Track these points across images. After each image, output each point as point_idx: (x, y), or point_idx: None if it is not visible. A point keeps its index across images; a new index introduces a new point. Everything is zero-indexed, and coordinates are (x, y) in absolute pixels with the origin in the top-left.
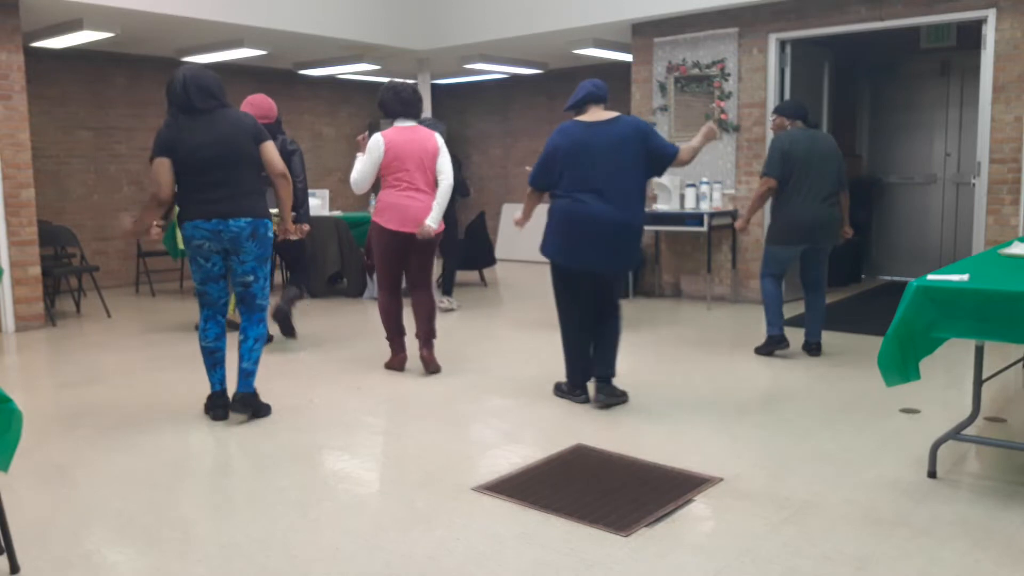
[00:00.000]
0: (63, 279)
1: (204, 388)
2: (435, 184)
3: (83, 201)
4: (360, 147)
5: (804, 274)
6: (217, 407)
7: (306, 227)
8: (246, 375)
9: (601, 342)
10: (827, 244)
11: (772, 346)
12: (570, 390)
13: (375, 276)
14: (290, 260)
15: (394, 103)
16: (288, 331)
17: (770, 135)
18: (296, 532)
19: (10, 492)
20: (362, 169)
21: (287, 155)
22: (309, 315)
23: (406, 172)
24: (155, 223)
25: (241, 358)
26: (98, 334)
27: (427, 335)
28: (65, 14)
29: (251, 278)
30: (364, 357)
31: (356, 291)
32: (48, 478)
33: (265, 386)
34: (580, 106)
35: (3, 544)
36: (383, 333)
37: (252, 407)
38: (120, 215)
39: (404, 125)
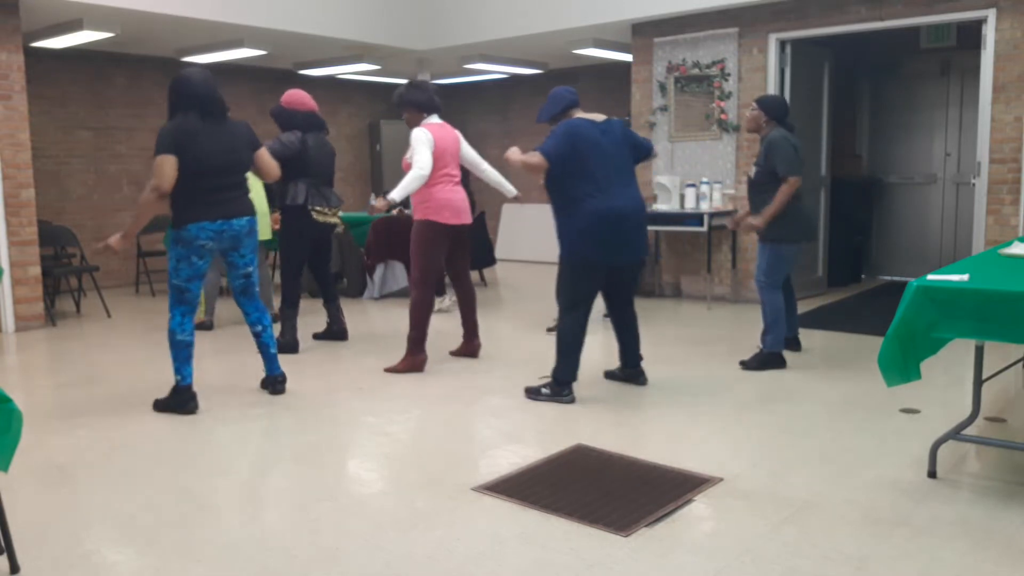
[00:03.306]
0: (63, 279)
1: (205, 387)
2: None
3: (83, 201)
4: (376, 209)
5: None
6: (189, 400)
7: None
8: (275, 358)
9: (630, 332)
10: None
11: (772, 365)
12: (557, 392)
13: (414, 273)
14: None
15: (432, 99)
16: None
17: None
18: (296, 532)
19: (10, 492)
20: (427, 157)
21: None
22: (310, 315)
23: (448, 167)
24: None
25: (267, 346)
26: (98, 334)
27: (476, 323)
28: (65, 14)
29: (251, 269)
30: (365, 357)
31: (356, 291)
32: (48, 478)
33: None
34: (562, 115)
35: (3, 544)
36: (384, 333)
37: (285, 381)
38: (106, 242)
39: (435, 122)
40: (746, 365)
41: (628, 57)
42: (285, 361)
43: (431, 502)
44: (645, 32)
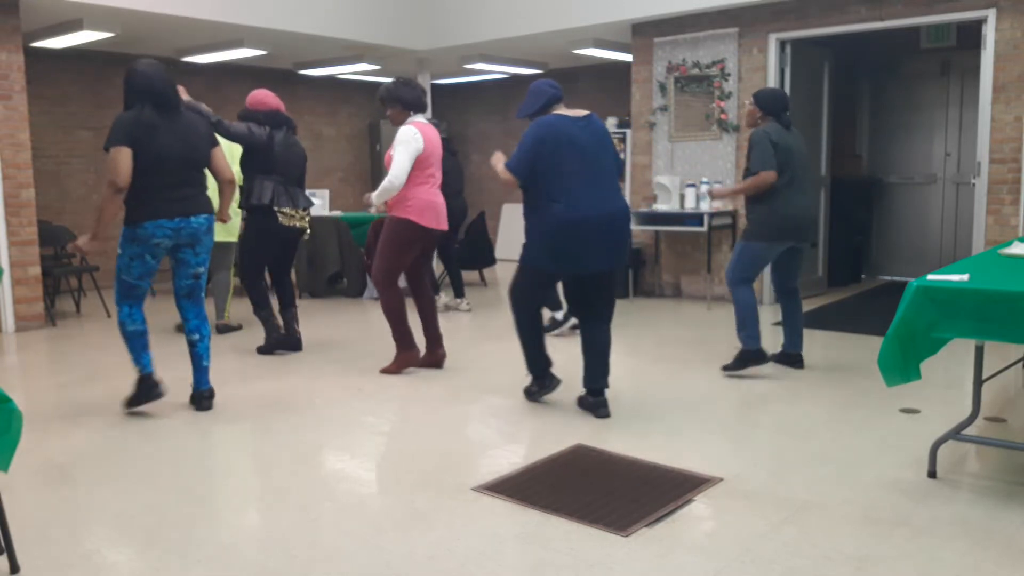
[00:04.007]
0: (63, 279)
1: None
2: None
3: (83, 201)
4: (369, 203)
5: (783, 279)
6: (153, 387)
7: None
8: (207, 372)
9: (597, 350)
10: (808, 242)
11: (751, 362)
12: (542, 386)
13: (378, 273)
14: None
15: (420, 98)
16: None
17: None
18: (296, 532)
19: (10, 492)
20: (404, 162)
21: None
22: (309, 315)
23: (433, 168)
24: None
25: (201, 357)
26: (98, 334)
27: (438, 331)
28: (65, 14)
29: (201, 269)
30: (365, 357)
31: (356, 291)
32: (48, 478)
33: (265, 386)
34: (543, 111)
35: (3, 544)
36: (384, 333)
37: (212, 397)
38: (74, 243)
39: (423, 121)
40: (727, 368)
41: (628, 57)
42: (284, 361)
43: (431, 502)
44: (645, 32)
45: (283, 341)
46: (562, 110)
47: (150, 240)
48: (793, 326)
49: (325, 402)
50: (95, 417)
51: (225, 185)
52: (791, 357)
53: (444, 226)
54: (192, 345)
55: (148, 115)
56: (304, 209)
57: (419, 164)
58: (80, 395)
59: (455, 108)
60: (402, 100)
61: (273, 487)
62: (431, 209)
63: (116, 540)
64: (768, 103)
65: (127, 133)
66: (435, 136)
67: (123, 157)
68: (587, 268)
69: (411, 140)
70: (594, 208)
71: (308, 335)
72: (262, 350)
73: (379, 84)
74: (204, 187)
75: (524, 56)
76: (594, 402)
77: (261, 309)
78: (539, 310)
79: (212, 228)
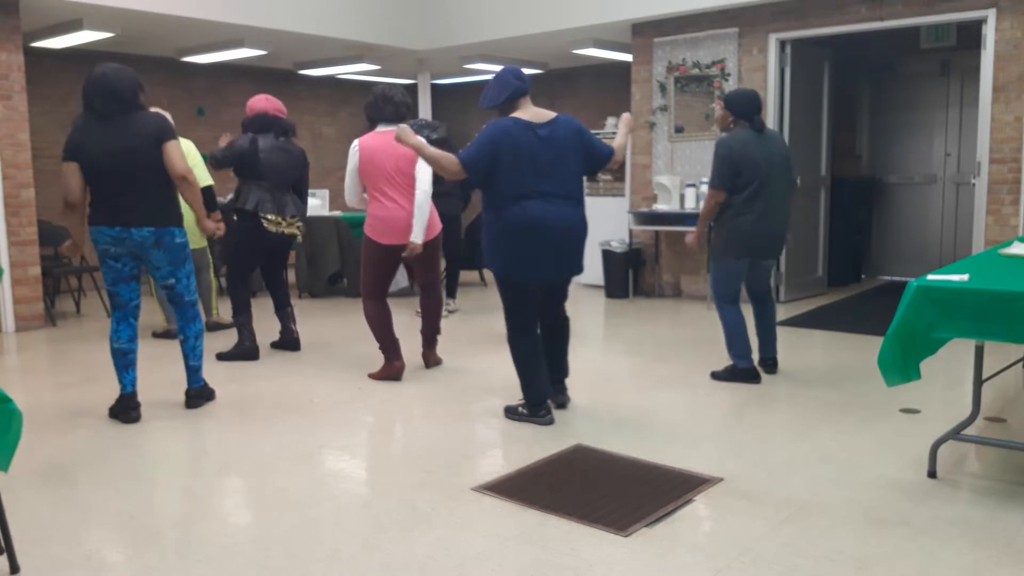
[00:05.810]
0: (63, 279)
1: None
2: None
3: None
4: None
5: (749, 285)
6: (130, 409)
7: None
8: (195, 372)
9: (556, 340)
10: (773, 259)
11: (740, 379)
12: (533, 412)
13: (361, 282)
14: (272, 270)
15: (386, 105)
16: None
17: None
18: (296, 532)
19: (10, 492)
20: (347, 181)
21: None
22: (309, 315)
23: (383, 179)
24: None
25: (187, 357)
26: (98, 334)
27: (433, 334)
28: (65, 14)
29: (171, 281)
30: (364, 357)
31: (356, 291)
32: (48, 478)
33: (265, 386)
34: (508, 104)
35: (3, 544)
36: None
37: (205, 397)
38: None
39: (382, 130)
40: (716, 376)
41: (628, 57)
42: (284, 361)
43: (431, 502)
44: (645, 32)
45: (250, 352)
46: (527, 107)
47: (98, 245)
48: (764, 331)
49: (325, 402)
50: (95, 417)
51: (178, 181)
52: (765, 362)
53: (398, 239)
54: (180, 345)
55: (80, 122)
56: (292, 216)
57: (363, 178)
58: (80, 395)
59: (455, 108)
60: (367, 108)
61: (273, 487)
62: (380, 223)
63: (116, 540)
64: (738, 106)
65: (67, 147)
66: (381, 144)
67: (68, 172)
68: (540, 275)
69: (349, 158)
70: (548, 216)
71: (308, 335)
72: (222, 356)
73: (379, 84)
74: (154, 196)
75: (524, 56)
76: (554, 388)
77: (238, 315)
78: (530, 331)
79: (165, 242)
